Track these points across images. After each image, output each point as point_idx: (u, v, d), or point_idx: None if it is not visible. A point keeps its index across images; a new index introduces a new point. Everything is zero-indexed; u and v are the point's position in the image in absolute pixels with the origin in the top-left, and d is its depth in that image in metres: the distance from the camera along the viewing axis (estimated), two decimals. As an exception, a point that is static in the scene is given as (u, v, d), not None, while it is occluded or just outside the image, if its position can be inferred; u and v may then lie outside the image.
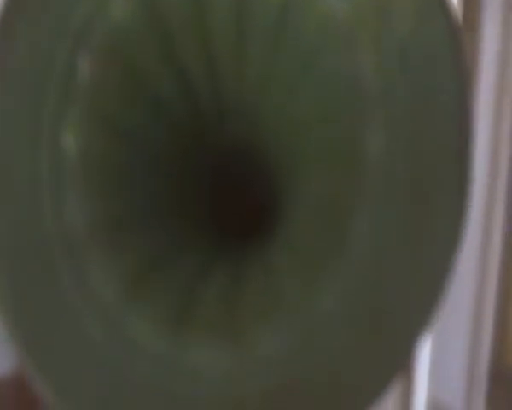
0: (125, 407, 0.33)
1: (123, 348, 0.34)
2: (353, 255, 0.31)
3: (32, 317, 0.35)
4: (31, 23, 0.36)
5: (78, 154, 0.36)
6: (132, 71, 0.37)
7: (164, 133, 0.38)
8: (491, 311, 1.95)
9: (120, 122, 0.37)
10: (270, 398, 0.32)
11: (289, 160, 0.38)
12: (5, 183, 0.37)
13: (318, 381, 0.31)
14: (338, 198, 0.33)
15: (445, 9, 0.32)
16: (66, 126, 0.36)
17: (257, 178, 0.44)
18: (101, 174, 0.36)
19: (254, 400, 0.32)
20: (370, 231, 0.31)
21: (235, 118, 0.39)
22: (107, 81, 0.37)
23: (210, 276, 0.37)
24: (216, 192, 0.44)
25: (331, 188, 0.34)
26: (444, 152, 0.32)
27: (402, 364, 0.31)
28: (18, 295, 0.36)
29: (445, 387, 1.94)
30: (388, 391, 0.30)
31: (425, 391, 1.37)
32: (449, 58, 0.32)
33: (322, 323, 0.31)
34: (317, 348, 0.31)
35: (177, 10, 0.36)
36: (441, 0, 0.32)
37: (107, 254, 0.35)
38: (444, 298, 0.31)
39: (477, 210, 1.80)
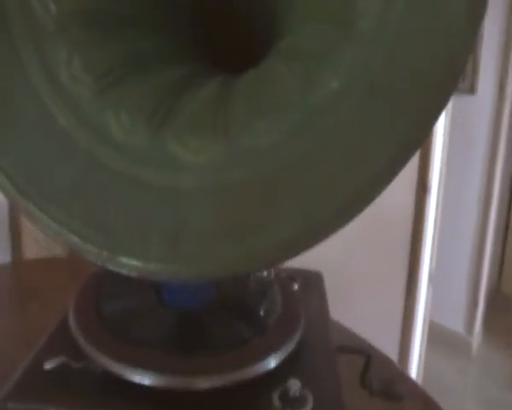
0: (99, 199, 0.30)
1: (97, 140, 0.30)
2: (360, 31, 0.27)
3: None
4: None
5: None
6: None
7: None
8: (491, 244, 1.99)
9: None
10: (251, 187, 0.29)
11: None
12: None
13: (309, 171, 0.28)
14: None
15: None
16: None
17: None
18: None
19: (236, 188, 0.29)
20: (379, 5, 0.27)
21: None
22: None
23: (200, 81, 0.33)
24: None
25: None
26: None
27: (418, 140, 0.27)
28: None
29: (446, 311, 1.99)
30: (403, 166, 0.26)
31: (426, 314, 1.38)
32: None
33: (321, 110, 0.28)
34: (314, 134, 0.28)
35: None
36: None
37: (77, 46, 0.32)
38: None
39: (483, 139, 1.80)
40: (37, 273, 0.90)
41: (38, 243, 1.27)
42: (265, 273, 0.42)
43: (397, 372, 0.65)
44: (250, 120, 0.30)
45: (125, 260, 0.29)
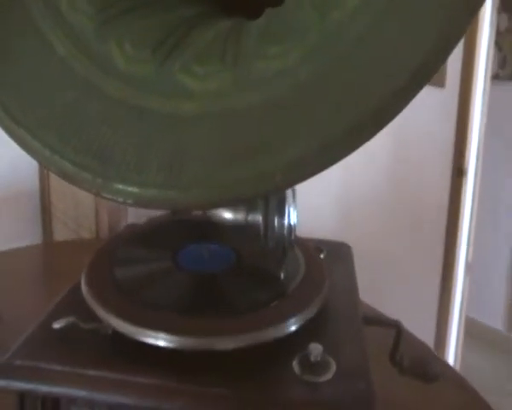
0: (95, 126, 0.28)
1: (97, 69, 0.29)
2: None
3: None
4: None
5: None
6: None
7: None
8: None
9: None
10: (260, 110, 0.27)
11: None
12: None
13: (324, 91, 0.25)
14: None
15: None
16: None
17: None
18: None
19: (244, 112, 0.28)
20: None
21: None
22: None
23: (210, 21, 0.31)
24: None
25: None
26: None
27: (448, 44, 0.24)
28: None
29: (484, 307, 1.93)
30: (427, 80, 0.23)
31: (463, 305, 1.33)
32: None
33: (338, 32, 0.26)
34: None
35: None
36: None
37: None
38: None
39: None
40: (65, 255, 0.91)
41: (67, 226, 1.27)
42: (285, 233, 0.39)
43: (430, 353, 0.62)
44: (262, 47, 0.28)
45: (120, 186, 0.27)
